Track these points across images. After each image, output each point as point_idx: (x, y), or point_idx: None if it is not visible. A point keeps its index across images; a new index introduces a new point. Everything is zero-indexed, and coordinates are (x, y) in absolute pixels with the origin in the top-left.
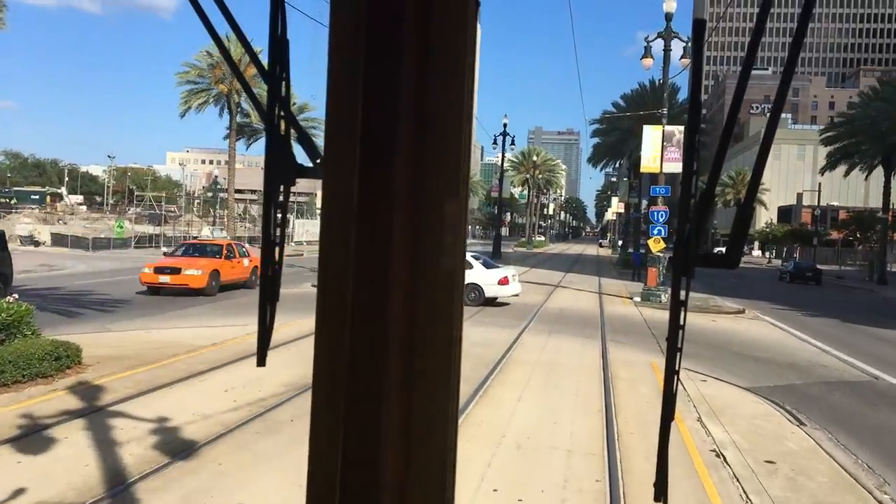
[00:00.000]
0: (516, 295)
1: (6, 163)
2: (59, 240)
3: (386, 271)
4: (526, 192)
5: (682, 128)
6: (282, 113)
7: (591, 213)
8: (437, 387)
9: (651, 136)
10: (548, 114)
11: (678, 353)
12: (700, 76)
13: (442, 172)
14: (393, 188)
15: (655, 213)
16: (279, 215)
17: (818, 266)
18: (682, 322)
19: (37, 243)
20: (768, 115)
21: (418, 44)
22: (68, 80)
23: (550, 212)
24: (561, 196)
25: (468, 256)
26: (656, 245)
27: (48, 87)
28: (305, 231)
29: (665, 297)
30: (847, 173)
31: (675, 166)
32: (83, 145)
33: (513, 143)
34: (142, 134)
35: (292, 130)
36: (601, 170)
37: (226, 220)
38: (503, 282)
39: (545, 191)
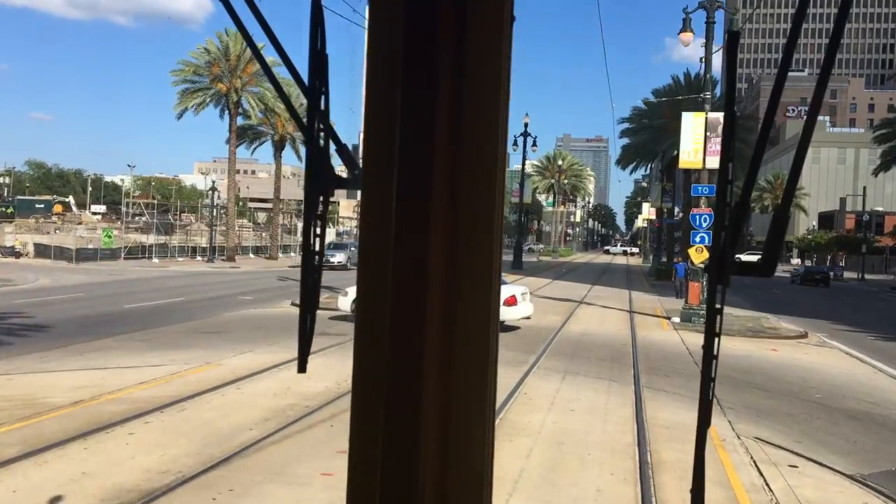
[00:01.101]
0: (527, 317)
1: (29, 173)
2: (42, 251)
3: (424, 279)
4: (552, 198)
5: (721, 114)
6: (321, 126)
7: (620, 221)
8: (473, 396)
9: (691, 125)
10: (577, 121)
11: (714, 361)
12: (733, 85)
13: (477, 181)
14: (430, 198)
15: (697, 217)
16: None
17: (866, 276)
18: (717, 330)
19: (17, 254)
20: (804, 117)
21: (454, 57)
22: (100, 92)
23: (577, 219)
24: (589, 203)
25: None
26: (698, 255)
27: (81, 100)
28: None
29: None
30: None
31: (712, 161)
32: (113, 156)
33: (534, 144)
34: (171, 145)
35: (331, 143)
36: (631, 173)
37: (227, 228)
38: (510, 302)
39: (572, 197)
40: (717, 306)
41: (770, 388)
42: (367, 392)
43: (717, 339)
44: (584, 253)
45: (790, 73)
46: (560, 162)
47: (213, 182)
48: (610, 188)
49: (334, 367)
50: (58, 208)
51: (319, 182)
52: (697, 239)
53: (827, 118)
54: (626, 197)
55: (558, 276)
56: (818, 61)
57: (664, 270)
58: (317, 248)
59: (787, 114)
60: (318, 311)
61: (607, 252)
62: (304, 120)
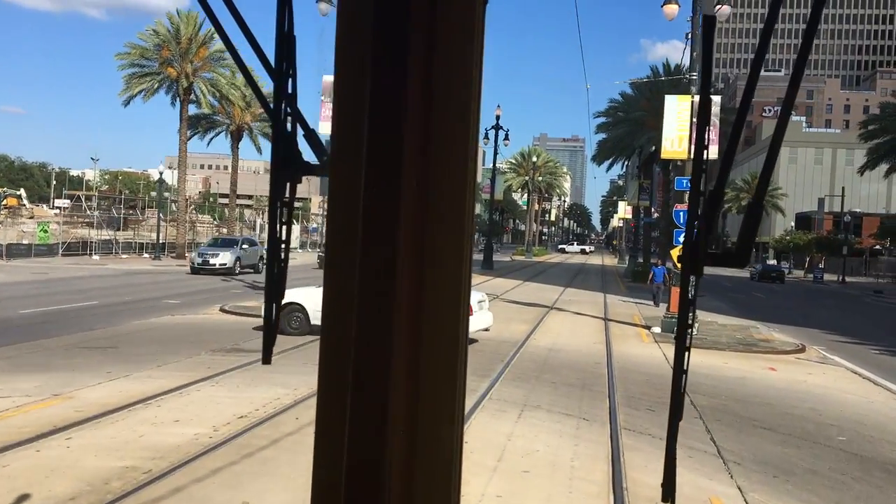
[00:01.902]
0: (486, 329)
1: None
2: None
3: (392, 268)
4: (526, 196)
5: (717, 98)
6: (288, 110)
7: (595, 221)
8: (442, 387)
9: (675, 109)
10: (553, 120)
11: (686, 353)
12: (709, 72)
13: (448, 171)
14: (399, 186)
15: (681, 214)
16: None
17: (846, 278)
18: (690, 321)
19: None
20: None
21: (425, 42)
22: (72, 86)
23: (553, 218)
24: (564, 202)
25: None
26: (675, 252)
27: (53, 94)
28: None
29: (694, 329)
30: (888, 173)
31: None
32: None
33: (506, 138)
34: (142, 139)
35: (299, 128)
36: (607, 169)
37: (176, 224)
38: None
39: (547, 195)
40: (690, 297)
41: (780, 428)
42: (332, 389)
43: (690, 331)
44: (560, 253)
45: (766, 73)
46: (535, 159)
47: (161, 174)
48: (586, 188)
49: (222, 402)
50: (12, 201)
51: (287, 168)
52: (681, 238)
53: (803, 119)
54: (602, 196)
55: (530, 276)
56: (795, 61)
57: (641, 272)
58: (283, 236)
59: (764, 114)
60: (241, 319)
61: (562, 251)
62: (271, 104)
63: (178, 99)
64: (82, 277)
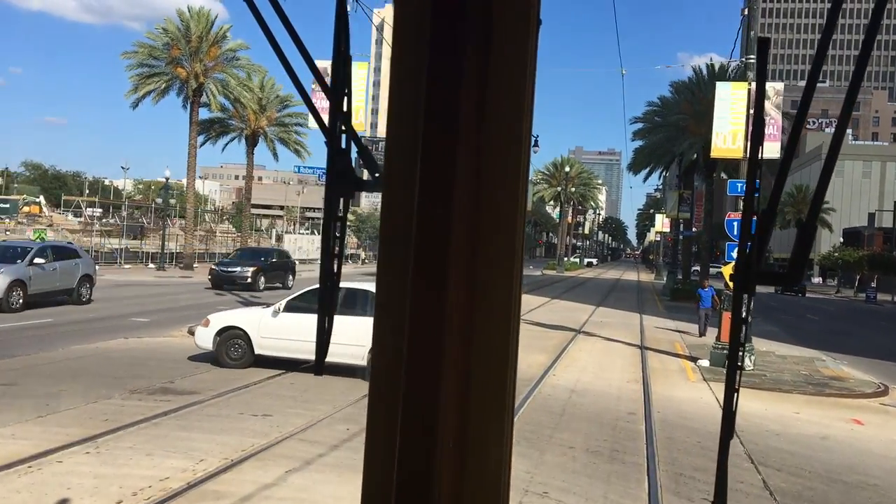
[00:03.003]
0: None
1: (26, 174)
2: None
3: (443, 282)
4: (559, 208)
5: (779, 86)
6: (343, 128)
7: (631, 235)
8: (491, 398)
9: (728, 99)
10: (589, 133)
11: (738, 372)
12: (762, 92)
13: (500, 187)
14: (452, 202)
15: (735, 225)
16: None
17: None
18: (742, 340)
19: None
20: (830, 129)
21: (479, 63)
22: (111, 96)
23: (586, 231)
24: (599, 215)
25: (354, 289)
26: (727, 270)
27: (93, 104)
28: (298, 248)
29: (751, 363)
30: None
31: (769, 148)
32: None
33: (536, 144)
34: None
35: (353, 145)
36: (644, 179)
37: (185, 233)
38: None
39: (581, 207)
40: (744, 316)
41: None
42: (384, 390)
43: (741, 350)
44: (593, 267)
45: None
46: (567, 169)
47: (168, 179)
48: (622, 202)
49: (75, 486)
50: (35, 209)
51: (342, 184)
52: (735, 254)
53: (850, 131)
54: (638, 209)
55: (559, 293)
56: (839, 73)
57: (681, 290)
58: (336, 251)
59: (808, 125)
60: (175, 343)
61: (590, 265)
62: (326, 122)
63: (188, 101)
64: None
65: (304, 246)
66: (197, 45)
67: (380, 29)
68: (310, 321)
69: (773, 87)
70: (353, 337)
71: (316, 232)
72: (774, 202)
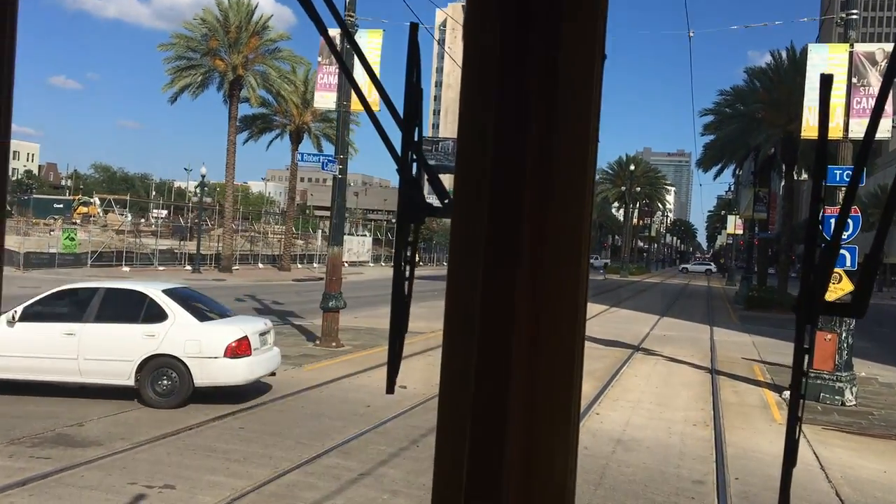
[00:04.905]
0: (272, 374)
1: (95, 176)
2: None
3: (511, 307)
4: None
5: (886, 47)
6: (414, 157)
7: (701, 238)
8: (559, 405)
9: (824, 65)
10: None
11: (801, 401)
12: (826, 127)
13: (568, 206)
14: (521, 228)
15: (831, 223)
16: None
17: None
18: (805, 369)
19: None
20: None
21: (546, 99)
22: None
23: (653, 233)
24: (667, 217)
25: (162, 299)
26: (836, 288)
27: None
28: (348, 250)
29: (852, 395)
30: None
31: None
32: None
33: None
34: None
35: (424, 173)
36: (715, 177)
37: (223, 233)
38: (237, 349)
39: (647, 208)
40: (806, 346)
41: None
42: (454, 400)
43: (804, 379)
44: (659, 270)
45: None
46: (632, 167)
47: (203, 177)
48: (691, 204)
49: None
50: (93, 210)
51: (412, 211)
52: (846, 260)
53: None
54: (709, 211)
55: (620, 300)
56: None
57: (756, 297)
58: (407, 274)
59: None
60: None
61: (685, 271)
62: (399, 151)
63: (227, 95)
64: None
65: (354, 248)
66: (236, 35)
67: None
68: (55, 331)
69: (883, 49)
70: (115, 351)
71: (378, 234)
72: (839, 230)
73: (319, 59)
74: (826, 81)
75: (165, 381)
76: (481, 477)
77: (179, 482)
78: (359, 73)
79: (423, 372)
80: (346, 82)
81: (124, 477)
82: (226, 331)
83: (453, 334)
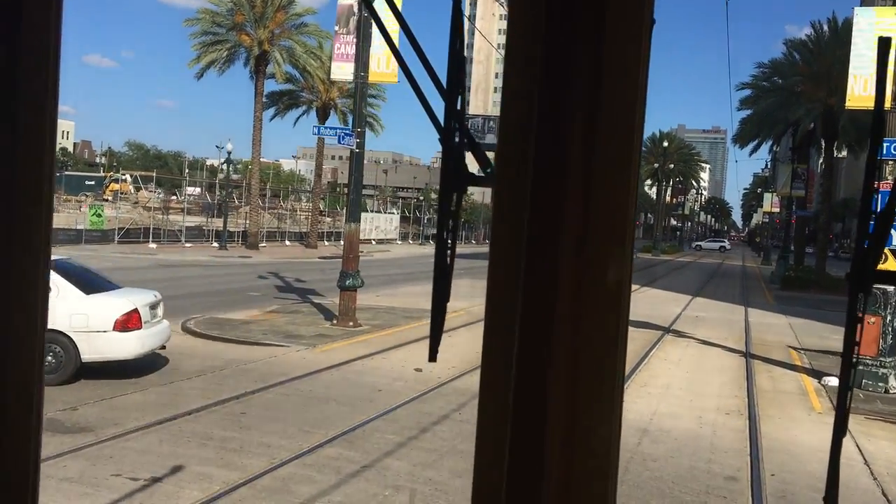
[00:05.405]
0: (161, 347)
1: (129, 153)
2: None
3: (555, 272)
4: (656, 188)
5: None
6: (457, 126)
7: (736, 216)
8: (601, 393)
9: (872, 30)
10: (692, 111)
11: (853, 370)
12: (883, 93)
13: (611, 187)
14: (563, 198)
15: (892, 203)
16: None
17: None
18: (857, 339)
19: None
20: None
21: (592, 60)
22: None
23: (686, 211)
24: (702, 195)
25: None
26: (886, 267)
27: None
28: (375, 227)
29: None
30: None
31: None
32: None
33: None
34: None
35: (466, 141)
36: (751, 153)
37: (250, 210)
38: (127, 323)
39: (681, 186)
40: (859, 315)
41: None
42: (495, 387)
43: (856, 347)
44: (691, 250)
45: None
46: (665, 144)
47: (229, 154)
48: (726, 182)
49: None
50: (124, 186)
51: (456, 180)
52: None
53: None
54: (744, 189)
55: (652, 280)
56: None
57: (793, 277)
58: (450, 243)
59: None
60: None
61: (698, 248)
62: (441, 120)
63: (253, 71)
64: None
65: (381, 225)
66: (262, 9)
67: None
68: None
69: None
70: None
71: (406, 212)
72: (894, 197)
73: (336, 28)
74: (884, 44)
75: (49, 358)
76: (523, 450)
77: (167, 474)
78: (377, 44)
79: (441, 353)
80: (364, 53)
81: (109, 467)
82: (114, 303)
83: (495, 307)
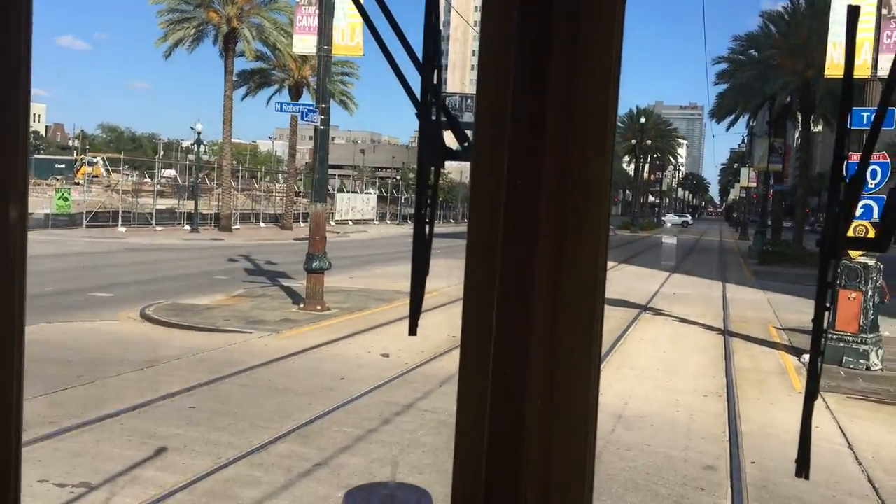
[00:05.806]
0: None
1: (102, 136)
2: None
3: (533, 248)
4: (634, 164)
5: None
6: (433, 100)
7: (713, 192)
8: (578, 356)
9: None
10: (669, 88)
11: (823, 336)
12: (852, 62)
13: (586, 163)
14: (541, 174)
15: (878, 169)
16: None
17: None
18: (828, 304)
19: None
20: None
21: (567, 37)
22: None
23: (664, 188)
24: (679, 171)
25: None
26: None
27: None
28: (352, 208)
29: (878, 359)
30: None
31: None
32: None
33: None
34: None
35: (443, 116)
36: (728, 127)
37: (222, 192)
38: None
39: (659, 163)
40: (829, 281)
41: None
42: (474, 353)
43: (826, 314)
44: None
45: None
46: (643, 120)
47: (199, 134)
48: (703, 158)
49: None
50: (97, 170)
51: (432, 154)
52: (859, 210)
53: None
54: (721, 164)
55: (630, 256)
56: None
57: (771, 252)
58: (428, 218)
59: None
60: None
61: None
62: (418, 94)
63: (223, 49)
64: (46, 256)
65: (358, 206)
66: None
67: None
68: None
69: None
70: None
71: (384, 192)
72: (863, 168)
73: (299, 2)
74: (853, 13)
75: None
76: (503, 419)
77: (100, 478)
78: (340, 15)
79: (409, 338)
80: (327, 26)
81: (37, 472)
82: None
83: (475, 283)
